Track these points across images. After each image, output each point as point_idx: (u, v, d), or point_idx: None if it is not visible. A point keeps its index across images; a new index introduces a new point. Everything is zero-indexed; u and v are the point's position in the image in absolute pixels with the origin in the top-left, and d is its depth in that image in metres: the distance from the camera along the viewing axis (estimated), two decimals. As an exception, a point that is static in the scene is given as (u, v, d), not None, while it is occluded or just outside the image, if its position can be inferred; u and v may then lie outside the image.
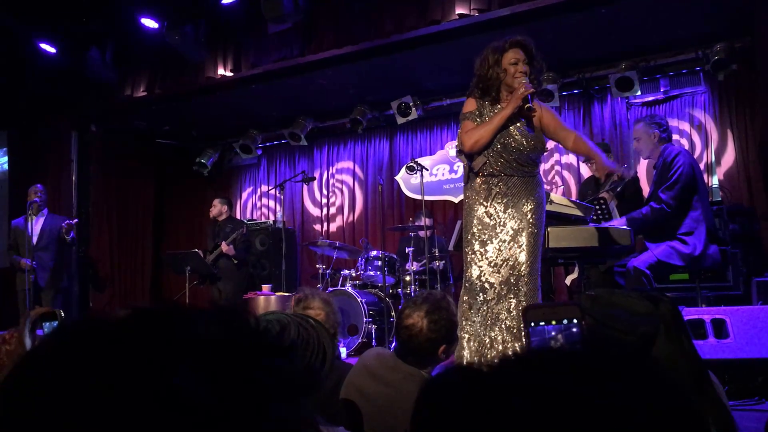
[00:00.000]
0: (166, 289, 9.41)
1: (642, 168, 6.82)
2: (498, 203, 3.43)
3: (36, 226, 7.06)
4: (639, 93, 7.02)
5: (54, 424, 0.48)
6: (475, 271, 3.42)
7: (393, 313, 6.18)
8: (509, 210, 3.41)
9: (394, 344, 5.81)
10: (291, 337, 1.57)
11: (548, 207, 3.63)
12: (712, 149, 6.92)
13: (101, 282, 8.78)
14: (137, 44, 7.53)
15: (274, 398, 0.56)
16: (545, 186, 3.64)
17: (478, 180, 3.50)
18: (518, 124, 3.43)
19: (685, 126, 7.07)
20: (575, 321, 1.10)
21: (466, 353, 3.32)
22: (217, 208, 7.70)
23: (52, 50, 7.58)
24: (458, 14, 5.96)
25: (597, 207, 4.83)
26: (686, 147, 6.88)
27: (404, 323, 2.30)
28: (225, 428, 0.51)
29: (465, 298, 3.43)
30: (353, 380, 2.28)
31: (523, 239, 3.36)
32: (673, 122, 6.96)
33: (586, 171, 7.30)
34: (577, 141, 3.56)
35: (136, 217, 9.39)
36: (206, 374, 0.53)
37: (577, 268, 4.99)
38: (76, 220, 7.32)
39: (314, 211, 9.28)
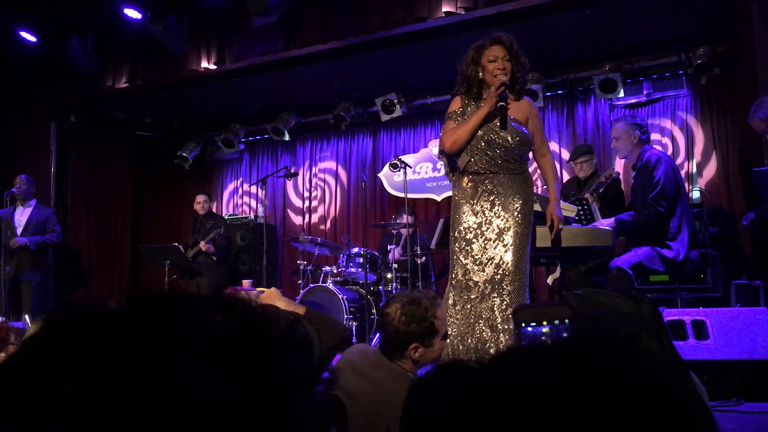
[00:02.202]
0: (144, 282, 9.31)
1: (619, 167, 6.86)
2: (485, 201, 3.43)
3: (22, 217, 6.99)
4: (622, 95, 7.06)
5: (54, 413, 0.45)
6: (460, 270, 3.42)
7: (374, 311, 6.16)
8: (496, 208, 3.41)
9: (374, 341, 5.80)
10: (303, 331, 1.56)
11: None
12: (693, 152, 6.98)
13: (78, 274, 8.67)
14: (119, 34, 7.44)
15: (296, 393, 0.53)
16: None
17: (465, 178, 3.51)
18: (503, 120, 3.42)
19: (667, 129, 7.13)
20: (567, 322, 1.09)
21: (448, 350, 3.31)
22: (201, 204, 7.67)
23: (33, 39, 7.46)
24: (444, 12, 5.96)
25: (579, 208, 4.85)
26: (668, 149, 6.95)
27: (383, 311, 2.34)
28: (246, 425, 0.49)
29: (450, 295, 3.44)
30: (336, 377, 2.26)
31: (509, 238, 3.36)
32: (655, 125, 7.02)
33: (565, 176, 7.33)
34: (546, 163, 3.62)
35: (114, 210, 9.28)
36: (224, 368, 0.50)
37: (559, 268, 5.00)
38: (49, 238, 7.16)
39: (296, 207, 9.24)
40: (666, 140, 7.10)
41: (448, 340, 3.34)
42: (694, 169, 6.94)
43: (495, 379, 0.61)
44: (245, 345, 0.53)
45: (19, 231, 6.92)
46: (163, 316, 0.53)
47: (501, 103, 3.36)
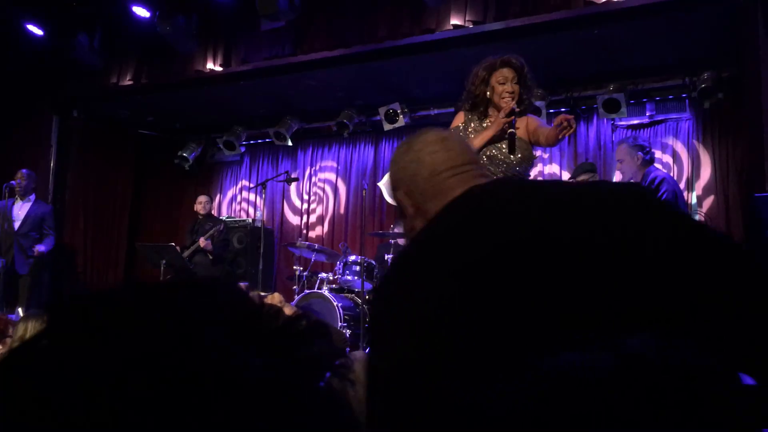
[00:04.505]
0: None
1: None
2: (485, 215, 3.42)
3: (20, 211, 6.97)
4: (625, 115, 7.08)
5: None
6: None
7: (368, 319, 6.14)
8: (495, 222, 3.40)
9: (368, 350, 5.78)
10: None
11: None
12: (693, 175, 7.00)
13: (74, 270, 8.64)
14: (126, 32, 7.44)
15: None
16: None
17: (466, 191, 3.50)
18: (511, 146, 3.41)
19: (669, 151, 7.15)
20: None
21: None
22: (202, 204, 7.66)
23: (40, 32, 7.47)
24: (453, 25, 5.97)
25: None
26: (668, 171, 6.96)
27: None
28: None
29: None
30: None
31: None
32: (656, 147, 7.04)
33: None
34: (549, 133, 3.42)
35: (113, 207, 9.26)
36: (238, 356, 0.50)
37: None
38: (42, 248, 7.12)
39: (294, 212, 9.23)
40: (667, 157, 7.11)
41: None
42: (694, 194, 6.95)
43: None
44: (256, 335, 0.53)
45: (16, 225, 6.91)
46: (169, 305, 0.52)
47: (511, 130, 3.35)
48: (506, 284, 0.92)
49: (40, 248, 6.92)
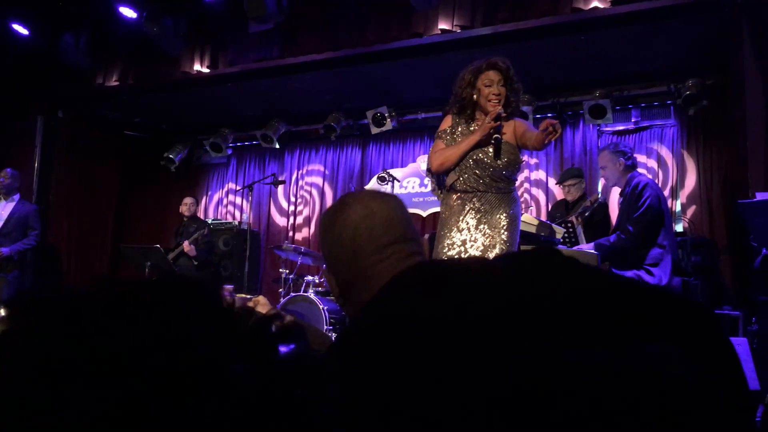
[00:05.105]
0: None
1: (604, 192, 6.92)
2: (471, 218, 3.43)
3: (3, 211, 6.89)
4: (611, 121, 7.12)
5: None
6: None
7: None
8: (481, 225, 3.42)
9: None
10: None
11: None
12: (677, 181, 7.05)
13: (57, 271, 8.56)
14: (113, 33, 7.40)
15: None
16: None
17: (454, 196, 3.51)
18: (497, 150, 3.42)
19: (653, 156, 7.20)
20: None
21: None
22: (187, 206, 7.63)
23: (25, 32, 7.41)
24: (441, 29, 5.98)
25: (565, 230, 4.88)
26: (653, 177, 7.01)
27: None
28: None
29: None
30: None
31: (493, 255, 3.36)
32: (642, 152, 7.09)
33: (558, 192, 7.38)
34: (537, 137, 3.39)
35: (98, 209, 9.20)
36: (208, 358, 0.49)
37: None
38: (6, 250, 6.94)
39: (281, 215, 9.20)
40: (652, 163, 7.16)
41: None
42: (678, 195, 7.00)
43: None
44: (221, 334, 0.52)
45: None
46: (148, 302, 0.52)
47: (496, 136, 3.37)
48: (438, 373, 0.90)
49: (4, 251, 6.78)
